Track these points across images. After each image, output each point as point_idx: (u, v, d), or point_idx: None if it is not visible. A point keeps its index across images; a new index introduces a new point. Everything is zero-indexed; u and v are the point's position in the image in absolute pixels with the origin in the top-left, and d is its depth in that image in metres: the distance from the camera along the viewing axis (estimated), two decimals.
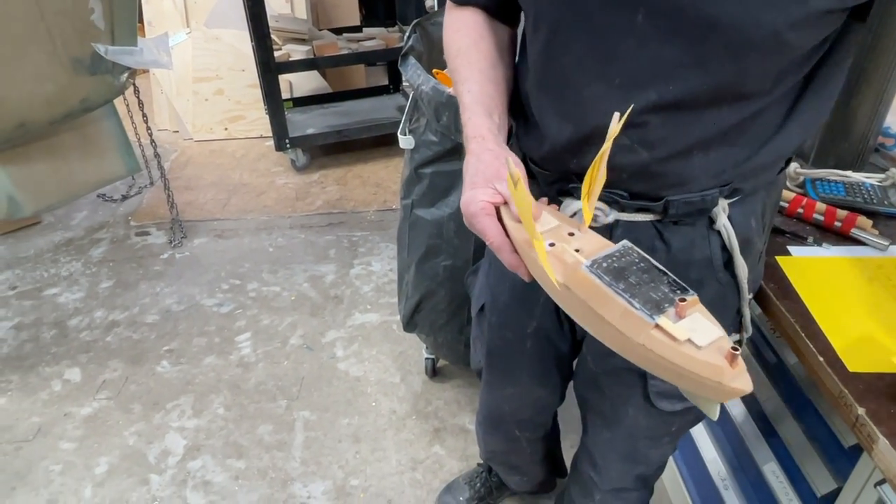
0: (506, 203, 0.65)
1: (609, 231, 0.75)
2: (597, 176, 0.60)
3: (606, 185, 0.67)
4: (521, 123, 0.81)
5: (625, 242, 0.58)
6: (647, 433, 0.94)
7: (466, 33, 0.79)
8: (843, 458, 0.88)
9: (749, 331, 0.82)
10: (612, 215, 0.73)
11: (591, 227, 0.63)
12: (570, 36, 0.66)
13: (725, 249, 0.74)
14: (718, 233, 0.73)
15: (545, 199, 0.69)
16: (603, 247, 0.59)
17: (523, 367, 1.02)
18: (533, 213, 0.60)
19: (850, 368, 0.72)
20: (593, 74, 0.66)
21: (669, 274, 0.54)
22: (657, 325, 0.51)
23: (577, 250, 0.58)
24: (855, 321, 0.79)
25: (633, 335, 0.52)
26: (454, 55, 0.79)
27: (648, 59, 0.61)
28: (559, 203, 0.75)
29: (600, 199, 0.71)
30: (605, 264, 0.55)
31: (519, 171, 0.62)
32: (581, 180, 0.72)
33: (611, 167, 0.68)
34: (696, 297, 0.52)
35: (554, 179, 0.77)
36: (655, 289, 0.53)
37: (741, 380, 0.48)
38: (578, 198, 0.69)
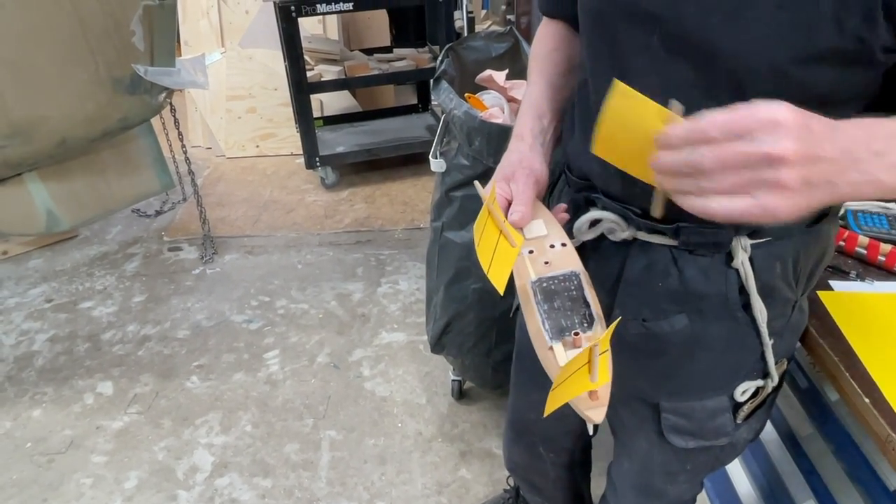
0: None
1: (626, 248, 0.76)
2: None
3: (623, 200, 0.73)
4: (570, 130, 0.83)
5: (574, 269, 0.65)
6: (661, 468, 0.92)
7: (545, 42, 0.87)
8: (887, 501, 0.85)
9: (775, 380, 0.79)
10: (629, 232, 0.74)
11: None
12: (599, 51, 0.71)
13: (745, 290, 0.72)
14: (737, 271, 0.71)
15: (562, 206, 0.74)
16: (568, 266, 0.66)
17: None
18: (517, 221, 0.70)
19: None
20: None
21: (591, 308, 0.62)
22: (550, 348, 0.60)
23: (546, 262, 0.66)
24: None
25: (538, 349, 0.62)
26: (531, 60, 0.87)
27: (658, 77, 0.64)
28: (586, 211, 0.77)
29: (617, 213, 0.74)
30: (544, 284, 0.64)
31: (528, 192, 0.72)
32: (602, 192, 0.76)
33: (627, 179, 0.70)
34: (591, 334, 0.59)
35: (582, 188, 0.79)
36: (569, 317, 0.62)
37: (594, 412, 0.56)
38: (601, 208, 0.75)
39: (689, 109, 0.64)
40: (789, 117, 0.46)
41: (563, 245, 0.68)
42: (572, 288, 0.64)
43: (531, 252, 0.67)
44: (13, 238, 2.69)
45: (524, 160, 0.74)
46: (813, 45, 0.55)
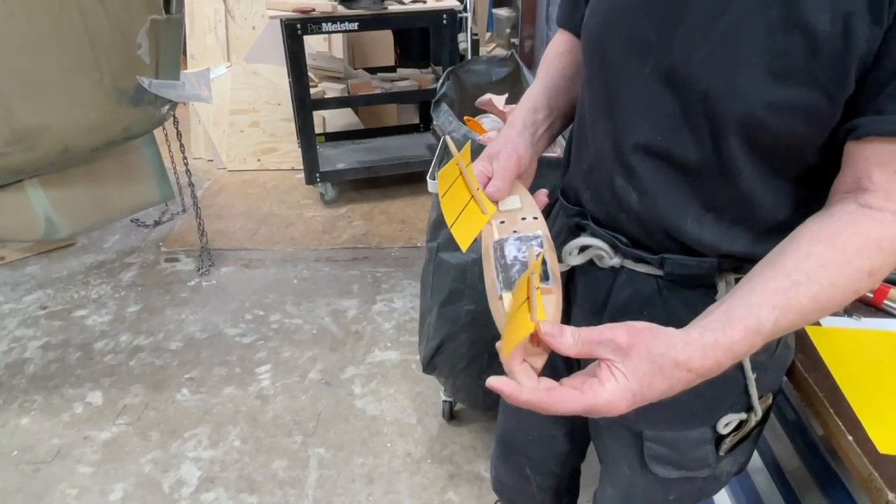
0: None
1: (614, 275, 0.77)
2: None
3: (609, 226, 0.75)
4: (567, 158, 0.85)
5: (537, 232, 0.66)
6: (643, 497, 0.92)
7: (556, 46, 0.91)
8: None
9: (758, 414, 0.79)
10: (616, 259, 0.75)
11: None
12: (597, 76, 0.73)
13: None
14: None
15: (544, 191, 0.75)
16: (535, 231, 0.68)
17: None
18: (492, 194, 0.71)
19: (881, 450, 0.70)
20: (603, 113, 0.71)
21: (548, 266, 0.63)
22: (500, 297, 0.61)
23: (514, 231, 0.67)
24: (887, 399, 0.77)
25: (491, 303, 0.63)
26: (541, 62, 0.91)
27: (645, 106, 0.66)
28: (577, 236, 0.78)
29: (605, 240, 0.75)
30: (504, 243, 0.66)
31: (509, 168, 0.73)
32: (591, 218, 0.77)
33: (613, 204, 0.73)
34: (544, 287, 0.60)
35: (573, 213, 0.81)
36: (522, 273, 0.62)
37: (534, 360, 0.57)
38: (590, 235, 0.77)
39: (671, 140, 0.66)
40: (622, 406, 0.53)
41: (535, 218, 0.69)
42: (533, 247, 0.65)
43: (502, 222, 0.69)
44: (10, 244, 2.69)
45: (509, 142, 0.76)
46: (786, 94, 0.57)
